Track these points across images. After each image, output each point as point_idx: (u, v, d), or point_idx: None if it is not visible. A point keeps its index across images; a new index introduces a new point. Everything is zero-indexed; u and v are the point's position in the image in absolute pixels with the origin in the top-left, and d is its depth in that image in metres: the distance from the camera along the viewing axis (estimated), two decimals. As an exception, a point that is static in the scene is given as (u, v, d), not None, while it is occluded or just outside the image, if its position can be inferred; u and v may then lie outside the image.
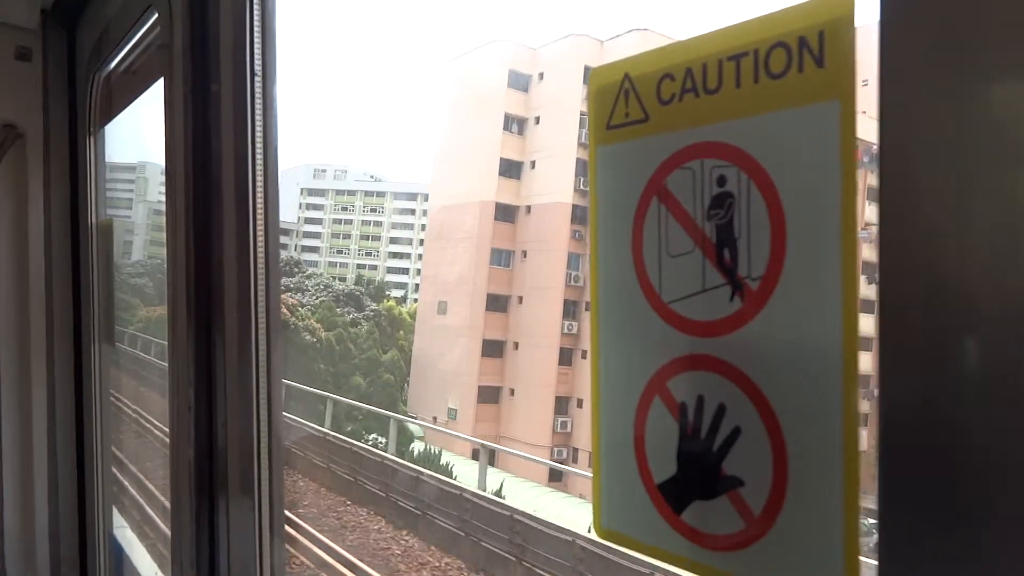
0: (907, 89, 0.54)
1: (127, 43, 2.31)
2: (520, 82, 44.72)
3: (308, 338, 43.07)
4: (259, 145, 1.60)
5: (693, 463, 0.75)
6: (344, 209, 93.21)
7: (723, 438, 0.72)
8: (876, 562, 0.58)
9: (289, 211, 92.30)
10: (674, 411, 0.76)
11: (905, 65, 0.55)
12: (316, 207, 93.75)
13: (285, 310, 40.84)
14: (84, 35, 2.67)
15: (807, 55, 0.64)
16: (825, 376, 0.64)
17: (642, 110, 0.78)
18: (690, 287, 0.74)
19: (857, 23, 0.62)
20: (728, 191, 0.70)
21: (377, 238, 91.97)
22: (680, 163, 0.74)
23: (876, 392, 0.57)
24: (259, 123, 1.60)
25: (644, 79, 0.77)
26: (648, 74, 0.77)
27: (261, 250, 1.66)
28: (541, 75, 43.80)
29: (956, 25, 0.52)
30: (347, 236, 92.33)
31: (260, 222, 1.65)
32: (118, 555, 2.96)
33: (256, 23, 1.57)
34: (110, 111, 2.70)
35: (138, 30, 2.18)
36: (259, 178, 1.63)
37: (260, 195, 1.65)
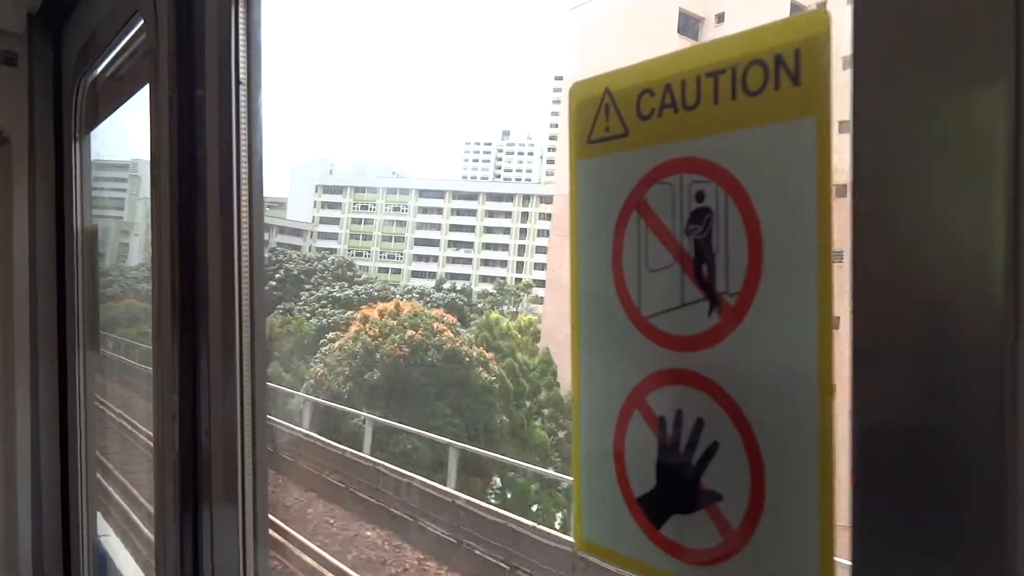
0: (880, 98, 0.55)
1: (113, 49, 2.30)
2: (690, 27, 34.07)
3: (485, 377, 28.21)
4: (244, 153, 1.60)
5: (672, 477, 0.75)
6: (364, 208, 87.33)
7: (701, 452, 0.72)
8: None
9: (303, 209, 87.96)
10: (653, 425, 0.76)
11: (878, 75, 0.55)
12: (333, 205, 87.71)
13: (448, 332, 29.16)
14: (70, 40, 2.66)
15: (783, 72, 0.64)
16: (801, 390, 0.64)
17: (622, 125, 0.78)
18: (669, 301, 0.74)
19: (833, 41, 0.62)
20: (706, 206, 0.70)
21: (401, 239, 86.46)
22: (659, 178, 0.75)
23: (850, 402, 0.57)
24: (244, 131, 1.59)
25: (624, 94, 0.78)
26: (628, 89, 0.77)
27: (246, 258, 1.65)
28: (720, 16, 33.55)
29: (929, 36, 0.52)
30: (368, 237, 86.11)
31: (245, 229, 1.65)
32: (102, 562, 2.94)
33: (242, 32, 1.57)
34: (96, 117, 2.69)
35: (124, 36, 2.18)
36: (244, 186, 1.63)
37: (245, 202, 1.64)
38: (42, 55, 2.74)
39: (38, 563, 2.91)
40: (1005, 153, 0.49)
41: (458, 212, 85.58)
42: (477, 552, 13.61)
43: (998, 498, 0.49)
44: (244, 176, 1.62)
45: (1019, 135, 0.48)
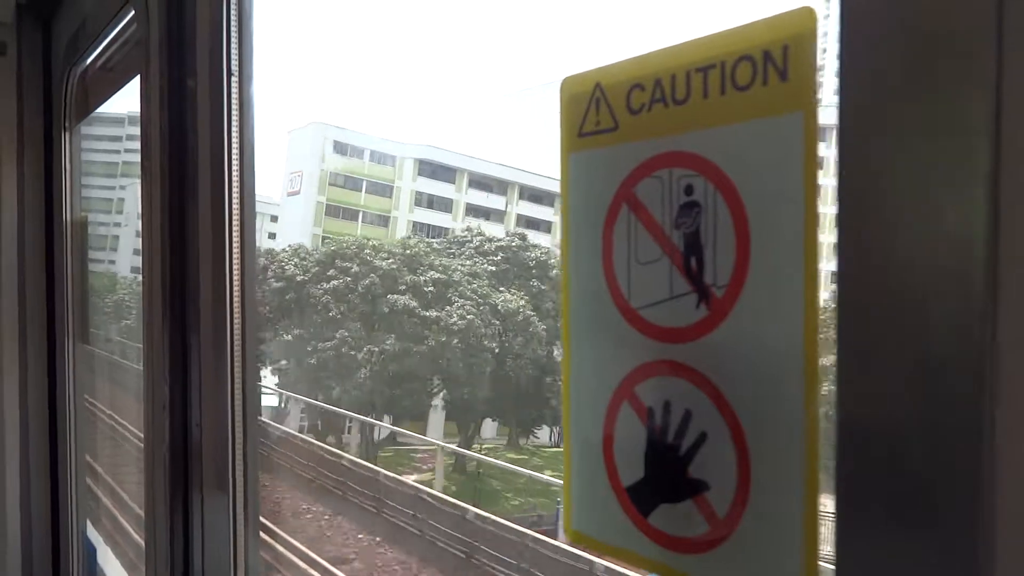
0: (867, 95, 0.56)
1: (104, 39, 2.29)
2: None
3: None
4: (235, 143, 1.60)
5: (660, 467, 0.76)
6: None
7: (689, 443, 0.73)
8: (833, 565, 0.59)
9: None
10: (642, 416, 0.77)
11: (865, 72, 0.56)
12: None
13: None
14: (60, 30, 2.64)
15: (771, 68, 0.65)
16: (787, 382, 0.65)
17: (612, 119, 0.79)
18: (658, 294, 0.75)
19: (819, 38, 0.63)
20: (695, 200, 0.71)
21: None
22: (649, 172, 0.75)
23: (835, 396, 0.58)
24: (235, 122, 1.59)
25: (614, 88, 0.78)
26: (618, 83, 0.78)
27: (237, 248, 1.65)
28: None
29: (916, 35, 0.53)
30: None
31: (236, 220, 1.65)
32: (91, 555, 2.93)
33: (233, 23, 1.57)
34: (86, 108, 2.68)
35: (115, 26, 2.16)
36: (235, 176, 1.62)
37: (236, 193, 1.64)
38: (32, 45, 2.72)
39: (27, 556, 2.90)
40: (986, 153, 0.50)
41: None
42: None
43: (975, 492, 0.50)
44: (235, 167, 1.61)
45: (999, 136, 0.49)
